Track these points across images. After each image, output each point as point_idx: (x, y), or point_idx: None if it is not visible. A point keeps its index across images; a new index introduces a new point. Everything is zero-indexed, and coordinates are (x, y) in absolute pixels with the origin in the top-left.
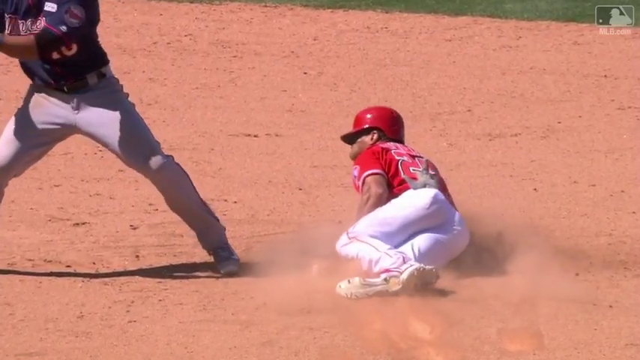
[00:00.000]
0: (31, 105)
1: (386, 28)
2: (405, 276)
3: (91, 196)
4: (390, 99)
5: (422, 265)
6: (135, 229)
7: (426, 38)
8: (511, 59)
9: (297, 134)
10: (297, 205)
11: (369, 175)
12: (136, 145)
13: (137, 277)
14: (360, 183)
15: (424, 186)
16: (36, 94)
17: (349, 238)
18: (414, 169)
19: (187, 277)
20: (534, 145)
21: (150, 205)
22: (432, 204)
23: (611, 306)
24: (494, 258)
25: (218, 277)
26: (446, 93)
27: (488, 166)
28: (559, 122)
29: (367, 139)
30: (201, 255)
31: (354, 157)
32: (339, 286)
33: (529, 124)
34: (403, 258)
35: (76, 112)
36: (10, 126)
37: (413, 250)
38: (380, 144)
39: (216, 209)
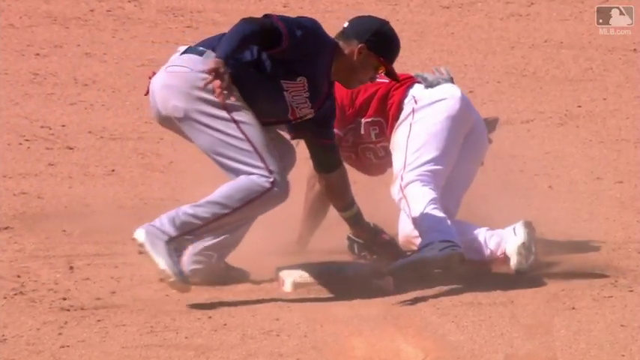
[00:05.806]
0: None
1: None
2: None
3: (15, 195)
4: None
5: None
6: (68, 234)
7: (419, 5)
8: (521, 30)
9: None
10: None
11: None
12: None
13: (71, 292)
14: None
15: (439, 83)
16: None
17: (402, 188)
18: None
19: (131, 293)
20: (549, 134)
21: (86, 206)
22: (462, 106)
23: None
24: (501, 270)
25: (168, 294)
26: None
27: (494, 158)
28: (579, 106)
29: None
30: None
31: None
32: None
33: (543, 108)
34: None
35: None
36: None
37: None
38: None
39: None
